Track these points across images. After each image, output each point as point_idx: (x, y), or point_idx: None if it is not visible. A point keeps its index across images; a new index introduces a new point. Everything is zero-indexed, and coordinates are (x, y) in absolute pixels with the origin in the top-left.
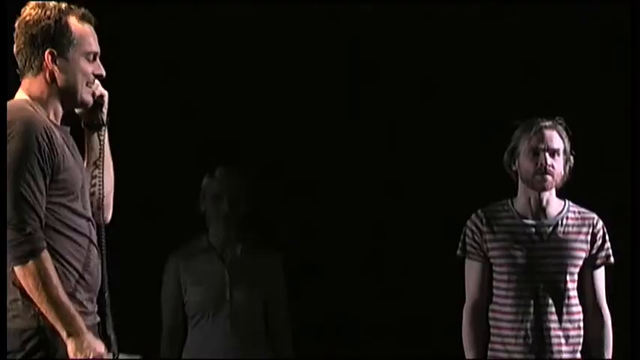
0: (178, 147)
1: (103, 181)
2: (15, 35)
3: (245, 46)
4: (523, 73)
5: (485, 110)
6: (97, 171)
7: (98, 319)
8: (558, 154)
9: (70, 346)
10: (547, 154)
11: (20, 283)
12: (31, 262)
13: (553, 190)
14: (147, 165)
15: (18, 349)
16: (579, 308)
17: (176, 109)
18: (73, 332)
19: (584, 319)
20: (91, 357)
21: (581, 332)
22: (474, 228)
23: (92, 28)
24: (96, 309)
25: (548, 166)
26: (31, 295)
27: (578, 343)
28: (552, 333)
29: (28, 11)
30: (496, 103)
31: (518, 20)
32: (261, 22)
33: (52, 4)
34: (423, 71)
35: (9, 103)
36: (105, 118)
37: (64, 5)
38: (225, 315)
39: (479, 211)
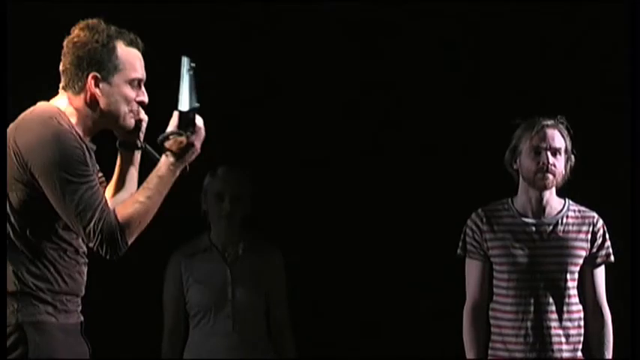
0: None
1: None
2: (62, 53)
3: (248, 43)
4: (524, 72)
5: (486, 109)
6: (124, 193)
7: (81, 318)
8: (560, 153)
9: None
10: (549, 153)
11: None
12: (122, 236)
13: (553, 189)
14: (148, 164)
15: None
16: (579, 307)
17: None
18: (170, 169)
19: (584, 318)
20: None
21: (582, 331)
22: (474, 227)
23: (139, 54)
24: (79, 309)
25: (549, 165)
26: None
27: (579, 342)
28: (552, 332)
29: (77, 32)
30: (497, 102)
31: (520, 19)
32: (262, 22)
33: (101, 27)
34: (424, 70)
35: (39, 108)
36: (141, 141)
37: (113, 29)
38: (226, 314)
39: (479, 210)
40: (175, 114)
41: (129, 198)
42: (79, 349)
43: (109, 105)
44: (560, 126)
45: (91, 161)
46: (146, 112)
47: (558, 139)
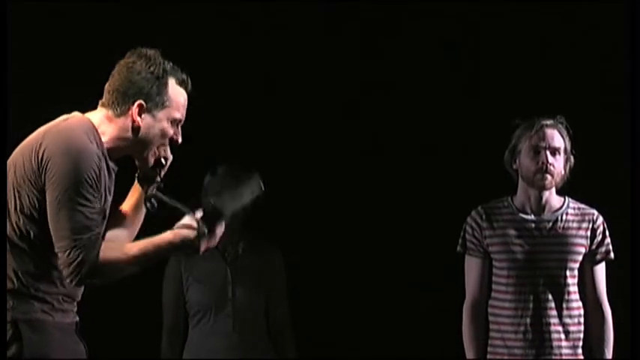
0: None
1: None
2: (112, 73)
3: (248, 43)
4: (524, 72)
5: (486, 109)
6: (130, 221)
7: (77, 318)
8: (559, 153)
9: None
10: (548, 153)
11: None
12: (104, 269)
13: (553, 189)
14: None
15: None
16: (579, 304)
17: None
18: (169, 247)
19: (584, 315)
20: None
21: (582, 327)
22: (473, 224)
23: (186, 96)
24: (75, 309)
25: (548, 165)
26: (131, 270)
27: (579, 339)
28: (552, 328)
29: (134, 58)
30: (497, 102)
31: (520, 18)
32: (264, 21)
33: (159, 60)
34: (424, 70)
35: (74, 119)
36: (160, 178)
37: (168, 65)
38: (226, 313)
39: (479, 208)
40: (208, 204)
41: (122, 245)
42: (76, 348)
43: (146, 135)
44: (560, 126)
45: (109, 182)
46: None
47: (557, 138)
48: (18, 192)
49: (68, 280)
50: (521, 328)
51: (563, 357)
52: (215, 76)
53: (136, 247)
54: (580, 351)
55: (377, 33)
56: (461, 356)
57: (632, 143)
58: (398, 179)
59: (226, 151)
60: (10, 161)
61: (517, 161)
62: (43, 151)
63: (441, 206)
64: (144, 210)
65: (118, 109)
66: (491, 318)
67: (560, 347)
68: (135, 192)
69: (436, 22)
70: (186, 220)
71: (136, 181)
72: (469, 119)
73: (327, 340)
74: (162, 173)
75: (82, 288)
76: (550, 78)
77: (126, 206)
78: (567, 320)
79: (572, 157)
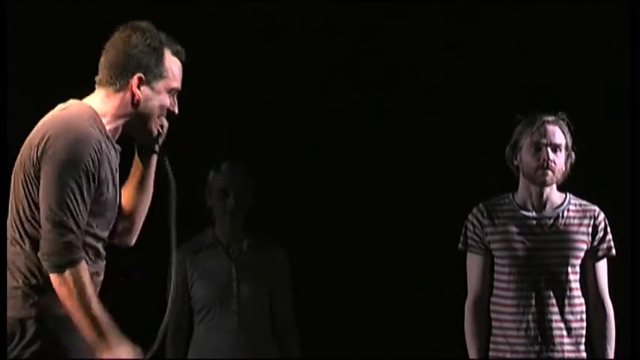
0: (184, 141)
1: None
2: (106, 49)
3: (253, 40)
4: (525, 69)
5: (487, 105)
6: (139, 196)
7: None
8: (560, 150)
9: (104, 356)
10: (549, 150)
11: (22, 270)
12: (67, 272)
13: (554, 185)
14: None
15: (18, 338)
16: (581, 300)
17: (182, 103)
18: (107, 344)
19: (586, 312)
20: None
21: (584, 324)
22: (475, 221)
23: (180, 65)
24: None
25: (549, 162)
26: (65, 304)
27: (581, 335)
28: (554, 325)
29: (129, 32)
30: (498, 98)
31: (522, 16)
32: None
33: (154, 32)
34: (424, 66)
35: (72, 107)
36: (159, 147)
37: (164, 37)
38: (231, 310)
39: (480, 205)
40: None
41: (94, 296)
42: None
43: (146, 108)
44: (561, 122)
45: (111, 164)
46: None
47: (559, 135)
48: (29, 187)
49: (45, 265)
50: (523, 325)
51: (566, 354)
52: (220, 74)
53: (100, 312)
54: (583, 347)
55: (376, 30)
56: (463, 353)
57: (632, 140)
58: (400, 177)
59: (230, 148)
60: (19, 158)
61: (518, 157)
62: (44, 142)
63: (443, 203)
64: (150, 187)
65: (117, 84)
66: (493, 315)
67: (562, 344)
68: (136, 169)
69: (437, 18)
70: (126, 348)
71: (136, 159)
72: (470, 115)
73: (330, 337)
74: (161, 142)
75: (100, 283)
76: (552, 74)
77: (131, 184)
78: (569, 317)
79: (573, 154)
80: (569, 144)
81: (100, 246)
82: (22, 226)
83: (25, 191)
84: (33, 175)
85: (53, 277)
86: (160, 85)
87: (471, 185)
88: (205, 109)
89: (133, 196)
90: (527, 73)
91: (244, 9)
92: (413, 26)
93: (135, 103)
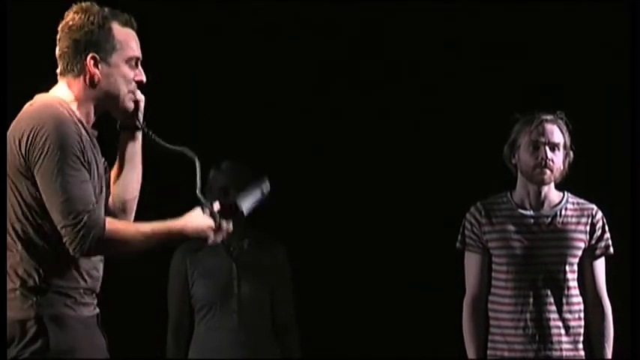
0: (184, 140)
1: (132, 184)
2: (58, 38)
3: (254, 39)
4: (525, 69)
5: (485, 103)
6: (127, 174)
7: (97, 310)
8: (558, 149)
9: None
10: (547, 148)
11: (19, 273)
12: (103, 244)
13: (552, 184)
14: (153, 157)
15: (18, 339)
16: (579, 299)
17: (183, 101)
18: (180, 234)
19: (584, 310)
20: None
21: (582, 323)
22: (472, 220)
23: (134, 34)
24: (95, 302)
25: (548, 161)
26: (124, 255)
27: (579, 334)
28: (552, 323)
29: (72, 16)
30: (497, 98)
31: (522, 16)
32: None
33: (95, 9)
34: (422, 65)
35: (38, 99)
36: (140, 122)
37: (107, 10)
38: (232, 309)
39: (478, 204)
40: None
41: (133, 224)
42: (98, 341)
43: (109, 85)
44: (560, 121)
45: (93, 149)
46: (142, 92)
47: (557, 134)
48: (18, 186)
49: (74, 254)
50: (521, 324)
51: (564, 352)
52: (220, 74)
53: (148, 226)
54: (581, 346)
55: (375, 30)
56: (461, 352)
57: (632, 140)
58: (399, 176)
59: (230, 147)
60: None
61: (516, 156)
62: (27, 138)
63: (441, 202)
64: (139, 165)
65: (75, 70)
66: (491, 314)
67: (560, 342)
68: (122, 147)
69: (436, 18)
70: (198, 210)
71: (120, 138)
72: (468, 114)
73: (330, 336)
74: (141, 117)
75: (100, 278)
76: (551, 74)
77: (118, 163)
78: (567, 315)
79: (571, 153)
80: (568, 143)
81: None
82: (13, 227)
83: (13, 192)
84: (20, 173)
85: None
86: (115, 58)
87: (469, 184)
88: (206, 108)
89: (122, 176)
90: (526, 73)
91: (244, 8)
92: (412, 26)
93: (96, 82)
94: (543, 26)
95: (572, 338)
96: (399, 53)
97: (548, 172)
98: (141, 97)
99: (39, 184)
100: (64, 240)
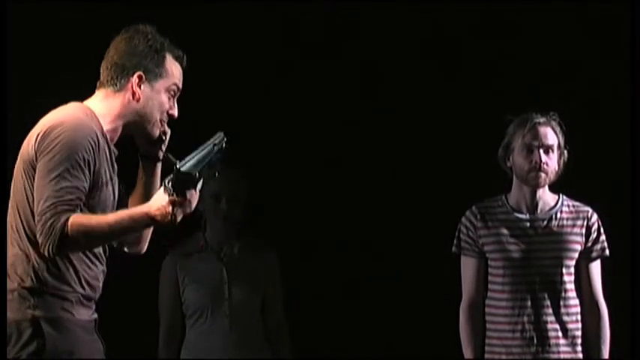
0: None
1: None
2: (108, 51)
3: (245, 44)
4: (521, 69)
5: (479, 106)
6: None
7: (95, 315)
8: (552, 151)
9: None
10: (541, 151)
11: (18, 272)
12: (66, 244)
13: (547, 186)
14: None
15: (15, 339)
16: (577, 301)
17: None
18: (144, 218)
19: (581, 313)
20: (169, 210)
21: (579, 325)
22: (468, 224)
23: (181, 71)
24: (94, 307)
25: (542, 164)
26: (94, 247)
27: (577, 336)
28: (549, 326)
29: (132, 33)
30: (490, 99)
31: (516, 17)
32: (260, 22)
33: (156, 34)
34: (418, 67)
35: (70, 104)
36: (164, 153)
37: (166, 42)
38: (223, 313)
39: (473, 207)
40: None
41: (95, 215)
42: (95, 346)
43: (145, 107)
44: (553, 123)
45: (108, 165)
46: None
47: (551, 135)
48: (27, 184)
49: (46, 252)
50: (519, 327)
51: (561, 355)
52: (214, 75)
53: (111, 215)
54: (579, 348)
55: (371, 32)
56: (459, 356)
57: (632, 140)
58: (393, 179)
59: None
60: (19, 156)
61: (510, 159)
62: (42, 134)
63: (436, 206)
64: (157, 187)
65: (118, 84)
66: (488, 317)
67: (558, 345)
68: (141, 176)
69: (433, 19)
70: (159, 191)
71: (140, 166)
72: (464, 117)
73: (323, 339)
74: (164, 149)
75: (100, 288)
76: (551, 74)
77: (138, 191)
78: (565, 318)
79: (565, 153)
80: (562, 143)
81: (100, 249)
82: (22, 226)
83: (23, 188)
84: (30, 169)
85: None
86: (159, 84)
87: (464, 187)
88: (198, 114)
89: (140, 204)
90: (523, 72)
91: (240, 12)
92: (407, 22)
93: (135, 100)
94: (543, 26)
95: (569, 340)
96: (393, 54)
97: (543, 175)
98: (168, 130)
99: (35, 178)
100: (39, 240)
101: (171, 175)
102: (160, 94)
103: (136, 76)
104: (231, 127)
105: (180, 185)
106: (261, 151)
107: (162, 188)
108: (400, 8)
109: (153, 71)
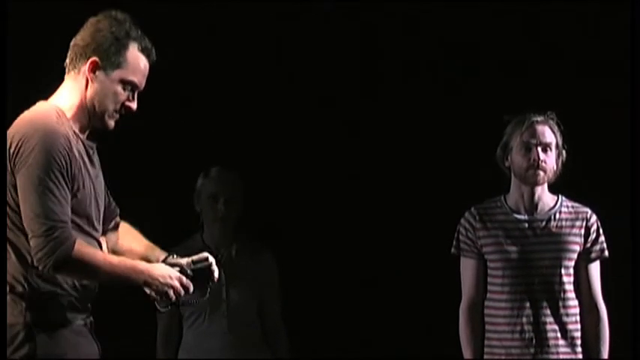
0: (173, 147)
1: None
2: (79, 30)
3: (242, 46)
4: (516, 68)
5: (477, 106)
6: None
7: (91, 318)
8: (550, 149)
9: (150, 291)
10: (539, 150)
11: (9, 278)
12: (69, 265)
13: (545, 186)
14: (142, 164)
15: (7, 343)
16: (576, 302)
17: (172, 108)
18: (143, 281)
19: (580, 314)
20: (174, 284)
21: (579, 326)
22: (467, 225)
23: (147, 63)
24: (89, 310)
25: (540, 162)
26: (88, 281)
27: (576, 337)
28: (548, 327)
29: (100, 18)
30: (488, 99)
31: (514, 16)
32: (259, 24)
33: (124, 22)
34: (418, 67)
35: (38, 107)
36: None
37: (134, 30)
38: (221, 314)
39: (472, 209)
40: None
41: (101, 251)
42: (89, 349)
43: (96, 94)
44: (551, 121)
45: (85, 163)
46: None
47: (549, 134)
48: (13, 197)
49: (38, 267)
50: (518, 328)
51: (561, 356)
52: (212, 76)
53: (115, 257)
54: (579, 349)
55: (372, 32)
56: (458, 357)
57: (632, 140)
58: (391, 180)
59: (218, 153)
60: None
61: (509, 158)
62: (14, 146)
63: (435, 207)
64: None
65: (77, 67)
66: (487, 319)
67: (557, 346)
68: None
69: (431, 20)
70: (174, 261)
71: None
72: (462, 117)
73: (321, 340)
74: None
75: (95, 292)
76: (551, 74)
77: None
78: (564, 319)
79: (564, 152)
80: (560, 142)
81: (93, 242)
82: (7, 233)
83: (9, 192)
84: (8, 180)
85: (59, 272)
86: (115, 74)
87: (463, 189)
88: (195, 115)
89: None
90: (521, 72)
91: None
92: (407, 24)
93: (87, 87)
94: (543, 26)
95: (569, 341)
96: (393, 53)
97: (541, 173)
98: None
99: (18, 194)
100: (33, 251)
101: (198, 261)
102: (115, 83)
103: (90, 60)
104: (229, 127)
105: (202, 274)
106: (259, 152)
107: (170, 259)
108: (400, 8)
109: (109, 59)
